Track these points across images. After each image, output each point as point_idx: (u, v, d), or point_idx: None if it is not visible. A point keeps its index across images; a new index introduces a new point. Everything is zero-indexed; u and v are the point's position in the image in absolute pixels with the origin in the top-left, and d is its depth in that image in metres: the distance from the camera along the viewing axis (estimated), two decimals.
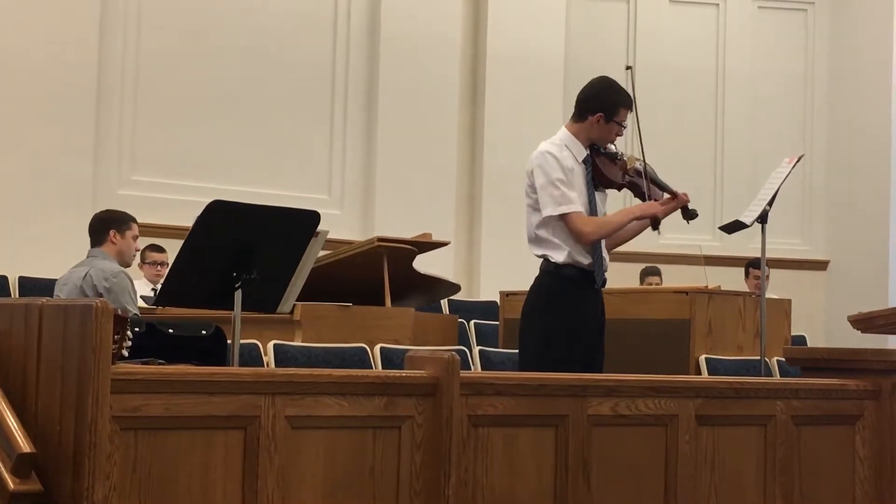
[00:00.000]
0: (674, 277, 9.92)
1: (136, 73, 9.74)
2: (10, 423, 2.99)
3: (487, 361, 6.37)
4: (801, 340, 8.77)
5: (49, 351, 3.08)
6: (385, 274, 7.04)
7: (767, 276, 7.10)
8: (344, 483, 3.36)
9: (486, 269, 10.84)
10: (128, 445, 3.02)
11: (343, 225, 9.97)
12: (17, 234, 8.81)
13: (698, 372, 6.72)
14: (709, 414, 4.09)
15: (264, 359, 5.78)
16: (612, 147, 5.14)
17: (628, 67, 5.21)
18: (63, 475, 2.94)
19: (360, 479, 3.39)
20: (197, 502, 3.13)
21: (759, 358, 6.55)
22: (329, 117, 10.61)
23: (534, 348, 4.94)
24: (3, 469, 2.92)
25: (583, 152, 5.02)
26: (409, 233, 7.70)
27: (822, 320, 11.51)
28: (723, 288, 7.36)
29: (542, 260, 4.99)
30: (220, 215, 4.42)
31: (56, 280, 6.18)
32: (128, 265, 6.21)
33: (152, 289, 8.30)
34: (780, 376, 6.89)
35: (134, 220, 6.23)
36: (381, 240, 7.18)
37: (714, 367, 6.77)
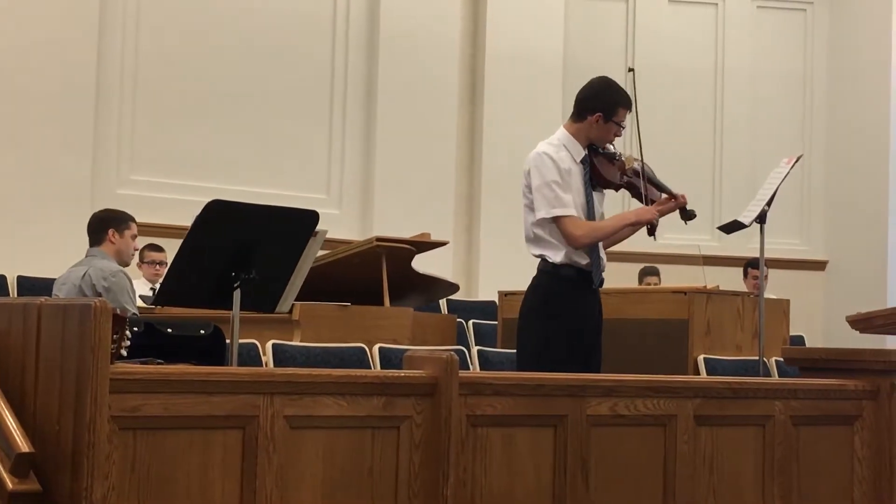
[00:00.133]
0: (672, 277, 9.92)
1: (135, 72, 9.74)
2: (8, 423, 2.99)
3: (486, 361, 6.37)
4: (799, 340, 8.77)
5: (48, 350, 3.08)
6: (384, 274, 7.04)
7: (766, 277, 7.10)
8: (342, 483, 3.36)
9: (484, 269, 10.84)
10: (126, 445, 3.02)
11: (342, 224, 9.97)
12: (16, 233, 8.81)
13: (697, 372, 6.73)
14: (707, 414, 4.09)
15: (263, 358, 5.78)
16: (611, 147, 5.14)
17: (630, 69, 5.20)
18: (62, 475, 2.94)
19: (359, 479, 3.39)
20: (195, 502, 3.13)
21: (757, 358, 6.55)
22: (328, 117, 10.61)
23: (531, 348, 4.94)
24: (1, 469, 2.92)
25: (581, 152, 5.02)
26: (407, 232, 7.70)
27: (820, 320, 11.52)
28: (721, 288, 7.36)
29: (539, 260, 5.00)
30: (218, 215, 4.42)
31: (55, 279, 6.17)
32: (126, 264, 6.21)
33: (151, 288, 8.30)
34: (779, 376, 6.89)
35: (132, 219, 6.22)
36: (379, 239, 7.17)
37: (712, 367, 6.77)
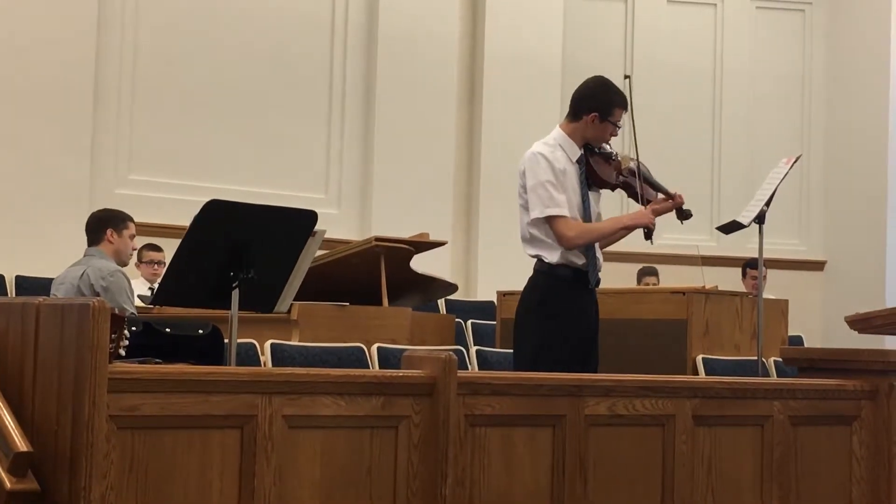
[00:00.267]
0: (671, 277, 9.93)
1: (134, 72, 9.74)
2: (7, 423, 2.99)
3: (484, 361, 6.37)
4: (797, 341, 8.77)
5: (46, 350, 3.08)
6: (382, 273, 7.04)
7: (764, 277, 7.09)
8: (341, 483, 3.36)
9: (483, 269, 10.84)
10: (124, 445, 3.02)
11: (340, 224, 9.96)
12: (14, 232, 8.81)
13: (695, 372, 6.72)
14: (706, 414, 4.09)
15: (261, 358, 5.78)
16: (607, 147, 5.12)
17: (626, 77, 5.17)
18: (60, 474, 2.94)
19: (358, 478, 3.39)
20: (194, 502, 3.13)
21: (756, 358, 6.55)
22: (327, 117, 10.61)
23: (528, 349, 4.93)
24: (0, 468, 2.92)
25: (577, 152, 5.01)
26: (406, 232, 7.70)
27: (819, 321, 11.51)
28: (720, 288, 7.36)
29: (535, 260, 4.99)
30: (217, 214, 4.42)
31: (53, 279, 6.17)
32: (125, 264, 6.20)
33: (149, 288, 8.29)
34: (777, 376, 6.89)
35: (131, 219, 6.22)
36: (378, 239, 7.17)
37: (711, 367, 6.77)
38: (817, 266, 12.14)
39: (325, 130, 10.59)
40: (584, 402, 3.83)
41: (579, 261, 4.94)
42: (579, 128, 5.01)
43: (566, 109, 5.15)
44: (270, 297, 4.77)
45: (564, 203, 4.88)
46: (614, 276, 8.56)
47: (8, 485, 2.90)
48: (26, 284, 8.44)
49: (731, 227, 6.51)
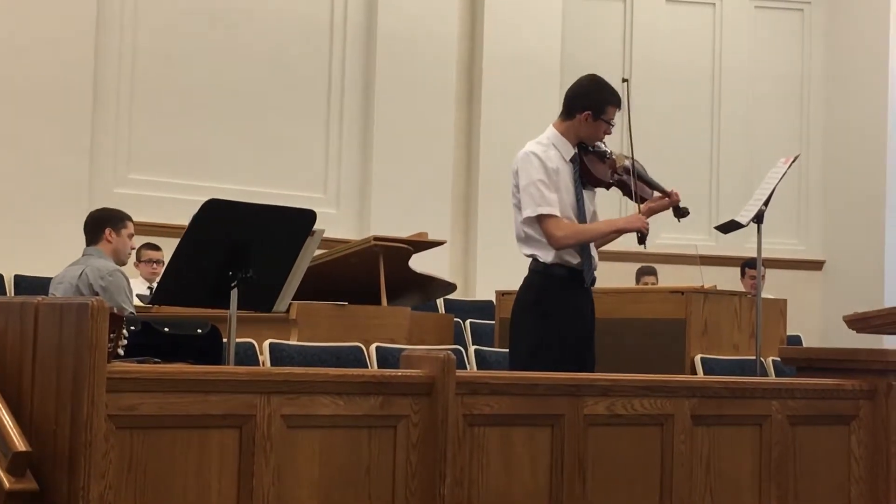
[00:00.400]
0: (670, 277, 9.93)
1: (133, 71, 9.73)
2: (5, 422, 2.99)
3: (483, 361, 6.38)
4: (796, 340, 8.78)
5: (45, 350, 3.08)
6: (381, 273, 7.04)
7: (763, 276, 7.09)
8: (339, 482, 3.36)
9: (481, 269, 10.84)
10: (123, 444, 3.02)
11: (339, 224, 9.96)
12: (13, 232, 8.81)
13: (694, 372, 6.73)
14: (704, 414, 4.09)
15: (260, 358, 5.78)
16: (602, 145, 5.10)
17: (624, 80, 5.16)
18: (59, 474, 2.94)
19: (356, 478, 3.39)
20: (192, 501, 3.13)
21: (754, 358, 6.56)
22: (325, 116, 10.61)
23: (524, 348, 4.92)
24: None
25: (570, 151, 4.99)
26: (404, 232, 7.70)
27: (817, 320, 11.52)
28: (718, 288, 7.36)
29: (531, 260, 4.99)
30: (216, 214, 4.42)
31: (52, 278, 6.17)
32: (123, 263, 6.20)
33: (148, 287, 8.29)
34: (776, 376, 6.90)
35: (129, 218, 6.22)
36: (377, 239, 7.18)
37: (710, 366, 6.77)
38: (816, 266, 12.15)
39: (323, 130, 10.59)
40: (582, 402, 3.83)
41: (574, 260, 4.93)
42: (573, 126, 5.00)
43: None
44: (269, 296, 4.76)
45: (556, 202, 4.87)
46: (613, 276, 8.57)
47: (7, 484, 2.90)
48: (25, 284, 8.44)
49: (729, 227, 6.52)
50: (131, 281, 6.39)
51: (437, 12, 10.91)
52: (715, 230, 7.09)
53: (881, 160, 11.64)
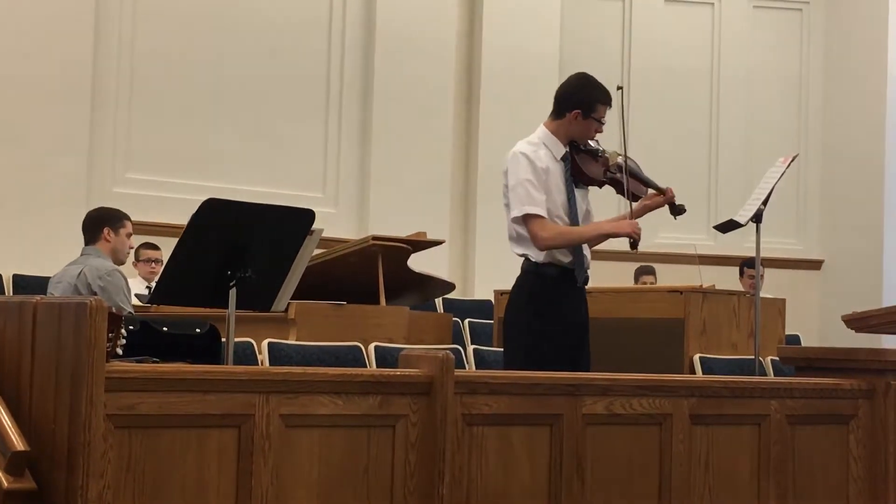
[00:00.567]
0: (668, 276, 9.92)
1: (131, 71, 9.73)
2: (4, 422, 2.99)
3: (482, 360, 6.38)
4: (795, 340, 8.77)
5: (43, 349, 3.08)
6: (380, 272, 7.04)
7: (762, 276, 7.11)
8: (338, 482, 3.36)
9: (480, 268, 10.84)
10: (122, 444, 3.02)
11: (338, 223, 9.96)
12: (11, 231, 8.80)
13: (692, 371, 6.73)
14: (703, 413, 4.09)
15: (259, 357, 5.78)
16: (594, 143, 5.08)
17: (619, 87, 5.13)
18: (57, 473, 2.94)
19: (355, 478, 3.39)
20: (191, 501, 3.13)
21: (753, 357, 6.56)
22: (324, 116, 10.61)
23: (518, 348, 4.91)
24: None
25: (561, 150, 4.97)
26: (403, 231, 7.69)
27: (816, 320, 11.52)
28: (717, 287, 7.36)
29: (523, 259, 4.98)
30: (214, 213, 4.41)
31: (50, 278, 6.17)
32: (122, 263, 6.20)
33: (147, 287, 8.29)
34: (775, 376, 6.90)
35: (127, 217, 6.21)
36: (375, 238, 7.17)
37: (708, 366, 6.77)
38: (814, 265, 12.15)
39: (322, 129, 10.59)
40: (581, 402, 3.83)
41: (566, 259, 4.91)
42: (563, 125, 4.98)
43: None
44: (268, 295, 4.76)
45: (542, 203, 4.84)
46: (611, 275, 8.57)
47: (5, 484, 2.90)
48: (23, 283, 8.43)
49: (728, 226, 6.52)
50: (130, 280, 6.38)
51: (436, 12, 10.90)
52: (713, 229, 7.08)
53: (879, 159, 11.64)
